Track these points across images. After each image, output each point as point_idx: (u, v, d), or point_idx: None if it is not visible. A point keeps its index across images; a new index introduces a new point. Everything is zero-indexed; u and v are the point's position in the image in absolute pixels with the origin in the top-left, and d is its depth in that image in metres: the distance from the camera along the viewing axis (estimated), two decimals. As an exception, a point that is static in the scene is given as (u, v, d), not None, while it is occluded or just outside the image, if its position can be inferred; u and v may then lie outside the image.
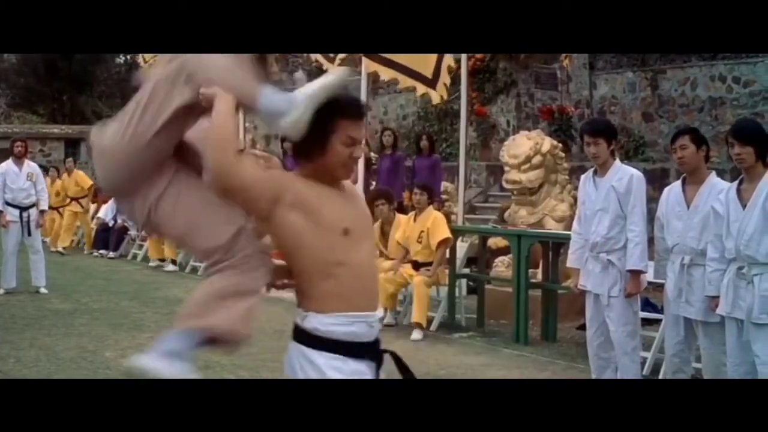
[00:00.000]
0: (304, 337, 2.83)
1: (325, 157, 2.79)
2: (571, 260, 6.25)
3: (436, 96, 10.16)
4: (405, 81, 10.11)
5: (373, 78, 11.80)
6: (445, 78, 9.87)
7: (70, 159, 17.72)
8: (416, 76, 9.92)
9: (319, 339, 2.79)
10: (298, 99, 2.70)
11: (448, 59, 9.83)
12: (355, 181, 10.37)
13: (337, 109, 2.78)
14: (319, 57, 11.71)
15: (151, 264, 14.13)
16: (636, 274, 5.76)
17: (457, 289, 8.95)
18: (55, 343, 7.75)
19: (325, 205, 2.78)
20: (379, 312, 2.94)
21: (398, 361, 2.95)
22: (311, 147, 2.80)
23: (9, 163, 10.77)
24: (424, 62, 9.82)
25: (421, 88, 10.08)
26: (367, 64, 10.48)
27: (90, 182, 16.14)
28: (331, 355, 2.78)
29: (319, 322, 2.79)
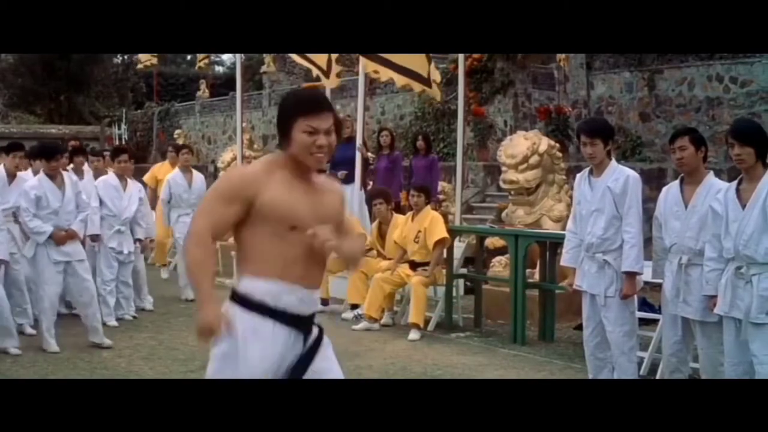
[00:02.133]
0: (236, 297, 3.17)
1: (291, 146, 3.17)
2: (565, 259, 6.25)
3: (436, 93, 10.23)
4: (400, 80, 10.13)
5: (370, 79, 11.81)
6: (435, 76, 9.99)
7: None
8: (413, 75, 9.95)
9: (246, 299, 3.14)
10: None
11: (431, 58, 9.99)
12: (352, 180, 10.46)
13: (295, 105, 3.20)
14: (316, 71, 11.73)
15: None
16: (632, 275, 5.76)
17: (454, 289, 8.94)
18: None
19: (283, 204, 3.12)
20: (317, 292, 3.29)
21: (319, 336, 3.29)
22: (282, 139, 3.23)
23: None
24: (419, 62, 9.87)
25: (417, 87, 10.13)
26: (365, 64, 10.48)
27: None
28: (255, 314, 3.11)
29: (252, 287, 3.15)
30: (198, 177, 10.98)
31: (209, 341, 3.03)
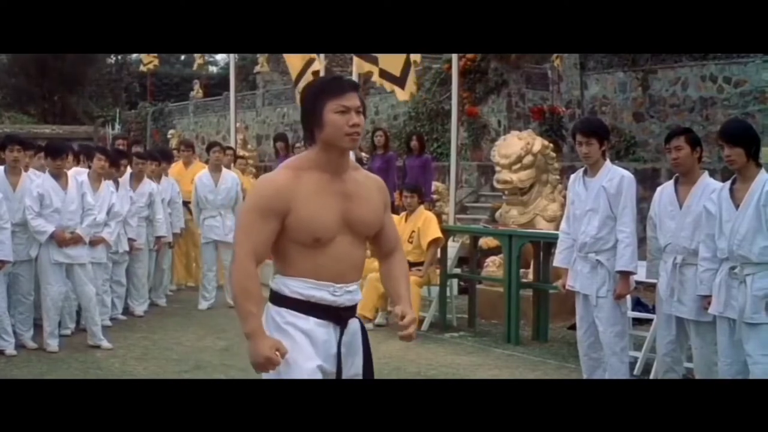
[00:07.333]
0: (272, 296, 3.21)
1: (324, 130, 3.10)
2: (558, 259, 6.25)
3: (404, 94, 10.23)
4: (375, 72, 10.19)
5: (365, 79, 11.81)
6: (412, 76, 10.01)
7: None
8: (385, 75, 9.98)
9: (282, 297, 3.16)
10: None
11: (414, 57, 9.97)
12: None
13: (321, 90, 3.16)
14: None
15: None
16: (625, 275, 5.76)
17: (448, 289, 8.94)
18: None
19: (307, 218, 3.08)
20: (352, 286, 3.27)
21: (364, 334, 3.32)
22: (312, 127, 3.14)
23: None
24: (392, 61, 9.88)
25: (388, 86, 10.16)
26: (360, 64, 10.47)
27: None
28: (291, 311, 3.14)
29: (283, 284, 3.16)
30: (228, 176, 10.38)
31: (266, 371, 3.03)
